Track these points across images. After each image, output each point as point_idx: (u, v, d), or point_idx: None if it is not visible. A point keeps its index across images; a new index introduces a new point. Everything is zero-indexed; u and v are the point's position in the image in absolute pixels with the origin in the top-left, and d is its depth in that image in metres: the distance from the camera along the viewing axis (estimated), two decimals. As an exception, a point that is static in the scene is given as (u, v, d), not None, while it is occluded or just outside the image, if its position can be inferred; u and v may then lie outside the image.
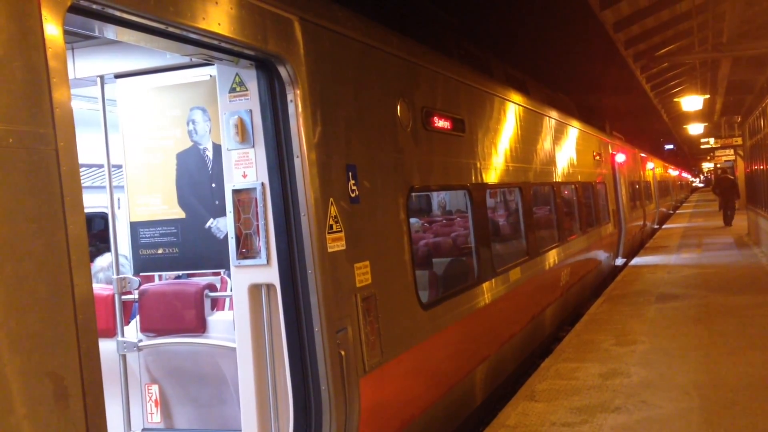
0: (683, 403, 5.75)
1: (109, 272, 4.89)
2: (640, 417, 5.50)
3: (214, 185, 4.43)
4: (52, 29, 2.35)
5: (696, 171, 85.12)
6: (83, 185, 2.49)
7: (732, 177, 24.65)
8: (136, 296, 4.51)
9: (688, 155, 64.35)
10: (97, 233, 7.23)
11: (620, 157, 17.00)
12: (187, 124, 4.49)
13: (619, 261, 15.77)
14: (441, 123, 5.90)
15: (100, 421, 2.42)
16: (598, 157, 14.38)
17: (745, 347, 7.36)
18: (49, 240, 2.29)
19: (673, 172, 49.43)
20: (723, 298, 10.25)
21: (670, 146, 56.78)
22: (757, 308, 9.30)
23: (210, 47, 3.39)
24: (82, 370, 2.35)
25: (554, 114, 10.64)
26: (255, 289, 3.89)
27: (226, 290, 4.67)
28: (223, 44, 3.38)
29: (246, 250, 3.87)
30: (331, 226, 3.94)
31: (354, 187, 4.28)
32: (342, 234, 4.05)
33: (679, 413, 5.52)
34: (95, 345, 2.42)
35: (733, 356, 7.04)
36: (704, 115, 23.60)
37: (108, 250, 4.64)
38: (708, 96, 19.18)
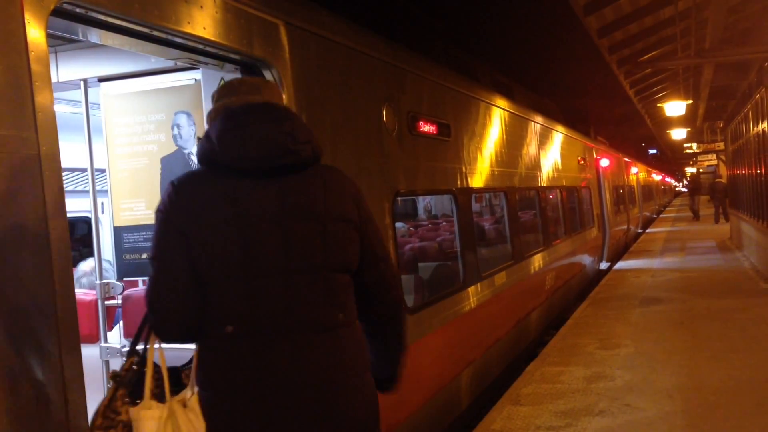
0: (666, 406, 5.78)
1: (92, 277, 4.85)
2: (624, 420, 5.53)
3: None
4: (35, 32, 2.33)
5: (679, 175, 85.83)
6: (66, 190, 2.47)
7: (724, 181, 24.94)
8: (120, 301, 4.47)
9: (671, 160, 64.87)
10: (81, 238, 7.18)
11: (604, 162, 17.11)
12: (172, 128, 4.47)
13: (604, 265, 15.86)
14: (427, 128, 5.92)
15: (83, 427, 2.40)
16: (582, 162, 14.47)
17: (728, 350, 7.42)
18: (31, 245, 2.27)
19: (657, 177, 49.82)
20: (706, 301, 10.33)
21: (654, 151, 57.23)
22: (740, 312, 9.39)
23: (195, 51, 3.38)
24: (65, 377, 2.32)
25: (539, 119, 10.70)
26: None
27: (210, 295, 4.63)
28: (208, 48, 3.36)
29: None
30: (316, 231, 3.93)
31: (339, 192, 4.27)
32: (327, 238, 4.03)
33: (663, 416, 5.55)
34: (78, 351, 2.40)
35: (716, 359, 7.10)
36: (687, 120, 23.79)
37: (91, 254, 4.61)
38: (691, 101, 19.31)
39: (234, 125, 2.26)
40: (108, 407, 2.24)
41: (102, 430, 2.22)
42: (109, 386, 2.33)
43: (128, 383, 2.28)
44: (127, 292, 4.48)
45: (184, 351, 4.36)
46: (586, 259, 13.67)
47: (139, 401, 2.23)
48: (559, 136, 12.12)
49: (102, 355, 4.33)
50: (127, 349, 4.37)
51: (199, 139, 3.09)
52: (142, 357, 2.34)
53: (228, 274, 2.19)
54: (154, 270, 2.24)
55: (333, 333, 2.25)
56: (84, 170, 4.79)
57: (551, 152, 11.34)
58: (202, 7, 3.22)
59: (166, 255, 2.22)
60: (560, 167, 11.89)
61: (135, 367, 2.31)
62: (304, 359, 2.19)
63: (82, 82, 4.31)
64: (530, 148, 9.87)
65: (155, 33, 3.03)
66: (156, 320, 2.25)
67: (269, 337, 2.18)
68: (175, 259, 2.20)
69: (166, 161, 4.51)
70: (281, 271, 2.21)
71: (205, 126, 2.46)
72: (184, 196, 2.25)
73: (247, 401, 2.15)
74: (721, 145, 25.41)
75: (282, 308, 2.20)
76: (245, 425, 2.16)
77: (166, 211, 2.25)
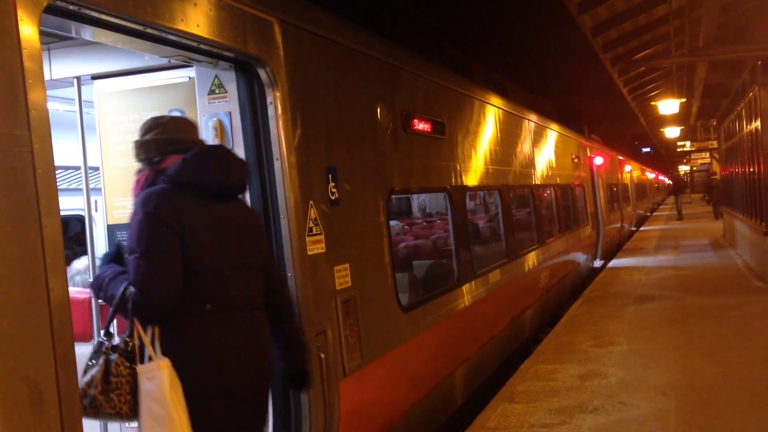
0: (660, 403, 5.81)
1: (85, 275, 4.83)
2: (618, 418, 5.55)
3: None
4: (28, 30, 2.32)
5: (673, 174, 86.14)
6: (59, 188, 2.46)
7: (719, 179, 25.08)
8: (114, 300, 4.46)
9: (665, 158, 65.05)
10: (74, 236, 7.15)
11: (598, 160, 17.15)
12: None
13: (598, 263, 15.90)
14: (421, 126, 5.91)
15: (77, 427, 2.39)
16: (576, 160, 14.49)
17: (722, 348, 7.46)
18: (24, 243, 2.26)
19: (650, 175, 49.96)
20: (699, 299, 10.37)
21: (647, 149, 57.38)
22: (733, 309, 9.43)
23: (189, 49, 3.37)
24: (58, 375, 2.32)
25: (534, 117, 10.71)
26: None
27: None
28: (201, 46, 3.36)
29: None
30: (310, 229, 3.93)
31: (334, 190, 4.28)
32: (322, 237, 4.04)
33: (657, 414, 5.57)
34: (71, 349, 2.39)
35: (710, 357, 7.13)
36: (680, 118, 23.86)
37: (85, 253, 4.59)
38: (684, 100, 19.38)
39: (221, 161, 3.11)
40: (105, 374, 2.79)
41: (106, 394, 2.75)
42: (101, 358, 2.82)
43: (124, 352, 2.86)
44: (120, 290, 4.46)
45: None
46: (580, 257, 13.70)
47: (134, 366, 2.84)
48: (553, 134, 12.14)
49: (96, 353, 4.31)
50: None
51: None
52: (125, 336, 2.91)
53: (210, 266, 3.00)
54: (151, 263, 2.85)
55: (262, 311, 3.23)
56: (77, 168, 4.78)
57: (545, 150, 11.36)
58: (195, 4, 3.21)
59: (166, 250, 2.87)
60: (554, 165, 11.91)
61: (128, 339, 2.88)
62: (255, 328, 3.14)
63: (75, 80, 4.29)
64: (524, 147, 9.88)
65: (149, 30, 3.02)
66: (154, 305, 2.85)
67: (235, 312, 3.06)
68: (174, 254, 2.88)
69: (160, 159, 4.48)
70: (241, 265, 3.12)
71: (199, 124, 2.88)
72: (174, 204, 2.94)
73: (225, 356, 2.98)
74: (715, 143, 25.50)
75: (243, 292, 3.10)
76: (226, 372, 2.97)
77: (159, 215, 2.87)
